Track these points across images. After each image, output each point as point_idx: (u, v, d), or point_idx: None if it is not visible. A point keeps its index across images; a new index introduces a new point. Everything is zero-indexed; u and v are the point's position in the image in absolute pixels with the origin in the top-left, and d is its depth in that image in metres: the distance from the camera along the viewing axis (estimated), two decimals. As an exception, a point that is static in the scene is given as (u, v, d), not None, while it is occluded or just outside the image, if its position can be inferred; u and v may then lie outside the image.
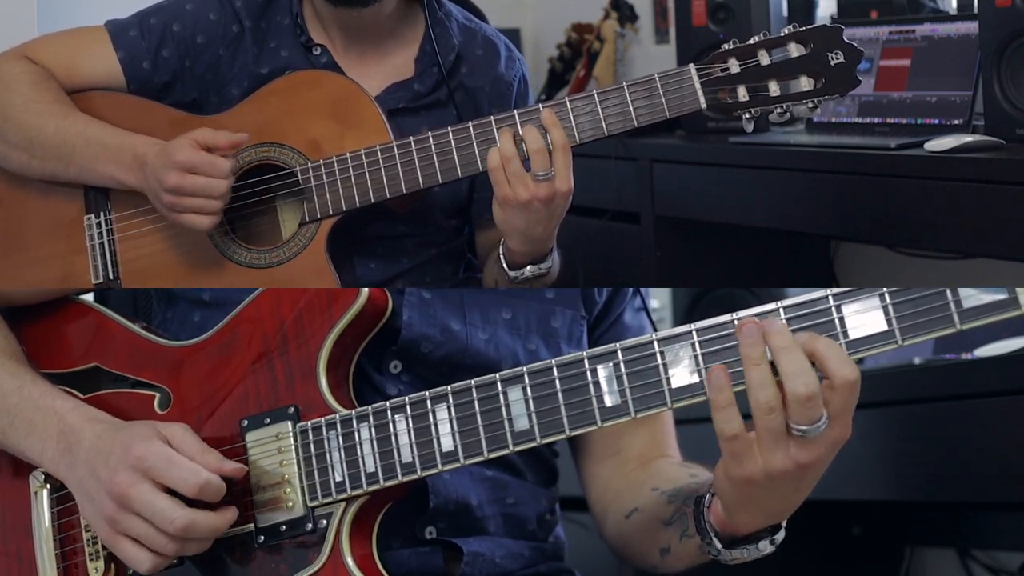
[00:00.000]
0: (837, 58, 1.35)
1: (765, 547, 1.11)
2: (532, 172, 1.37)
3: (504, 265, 1.47)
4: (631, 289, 1.46)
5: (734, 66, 1.37)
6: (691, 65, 1.39)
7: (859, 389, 0.99)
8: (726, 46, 1.38)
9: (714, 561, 1.15)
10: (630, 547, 1.32)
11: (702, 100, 1.38)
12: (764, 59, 1.37)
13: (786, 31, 1.37)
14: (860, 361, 2.06)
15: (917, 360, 1.76)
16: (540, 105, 1.40)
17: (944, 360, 1.76)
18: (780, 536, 1.12)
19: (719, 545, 1.11)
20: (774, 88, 1.37)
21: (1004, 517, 2.18)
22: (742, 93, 1.38)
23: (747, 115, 1.39)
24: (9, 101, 1.50)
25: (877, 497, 1.78)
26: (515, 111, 1.40)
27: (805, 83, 1.37)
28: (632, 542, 1.31)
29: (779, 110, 1.38)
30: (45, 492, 1.24)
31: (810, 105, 1.37)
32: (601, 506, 1.39)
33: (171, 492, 1.14)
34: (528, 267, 1.47)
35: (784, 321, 1.02)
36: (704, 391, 1.03)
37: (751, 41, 1.38)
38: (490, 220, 1.61)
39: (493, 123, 1.41)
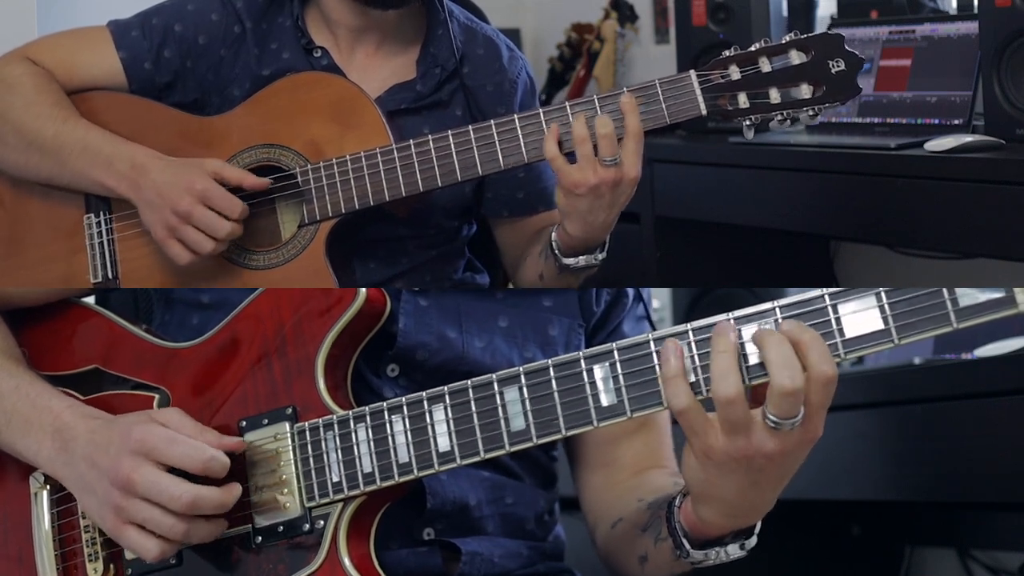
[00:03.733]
0: (838, 66, 1.35)
1: (734, 551, 1.11)
2: (600, 157, 1.36)
3: (556, 251, 1.46)
4: (631, 297, 1.45)
5: (735, 73, 1.38)
6: (692, 71, 1.39)
7: (834, 388, 0.99)
8: (727, 53, 1.38)
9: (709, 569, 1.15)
10: (614, 557, 1.32)
11: (703, 106, 1.38)
12: (765, 66, 1.37)
13: (787, 38, 1.37)
14: (860, 360, 2.07)
15: (917, 360, 1.76)
16: (624, 88, 1.39)
17: (944, 360, 1.76)
18: (751, 542, 1.11)
19: (688, 546, 1.12)
20: (775, 95, 1.37)
21: (1004, 517, 2.18)
22: (743, 100, 1.38)
23: (748, 122, 1.39)
24: (11, 103, 1.51)
25: (877, 497, 1.78)
26: (595, 96, 1.39)
27: (806, 90, 1.37)
28: (616, 552, 1.31)
29: (779, 117, 1.38)
30: (45, 493, 1.25)
31: (810, 113, 1.37)
32: (593, 516, 1.39)
33: (175, 472, 1.14)
34: (582, 257, 1.46)
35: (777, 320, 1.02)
36: (701, 391, 1.03)
37: (752, 48, 1.38)
38: (508, 217, 1.61)
39: (493, 127, 1.41)
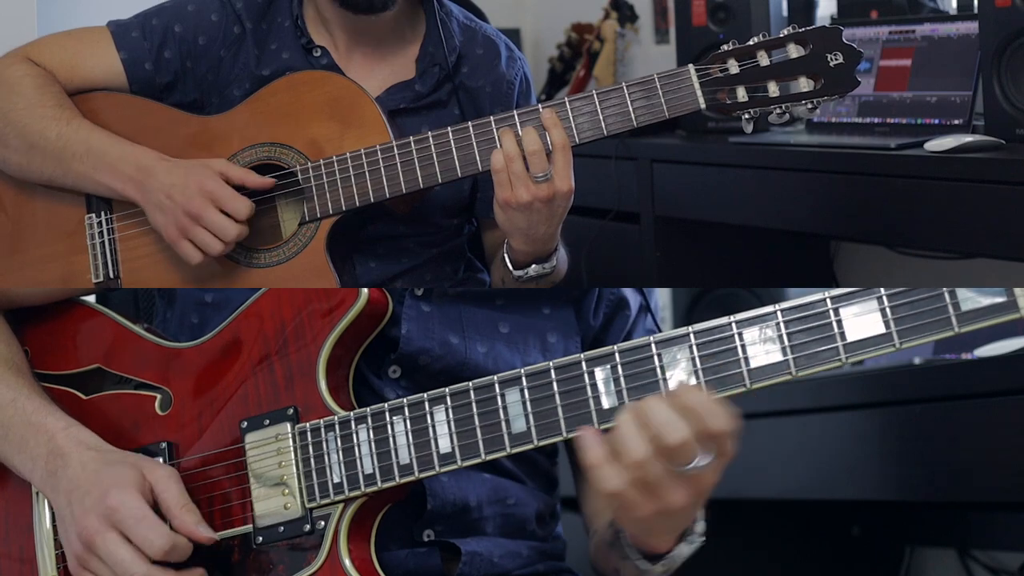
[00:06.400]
0: (836, 59, 1.35)
1: (683, 550, 1.14)
2: (531, 173, 1.37)
3: (509, 265, 1.48)
4: (635, 310, 1.45)
5: (733, 67, 1.37)
6: (690, 65, 1.39)
7: (733, 436, 1.00)
8: (725, 47, 1.38)
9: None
10: (597, 565, 1.33)
11: (701, 100, 1.38)
12: (763, 60, 1.37)
13: (785, 32, 1.37)
14: (860, 361, 2.07)
15: (917, 360, 1.76)
16: (540, 106, 1.40)
17: (944, 360, 1.76)
18: (699, 528, 1.14)
19: (647, 563, 1.14)
20: (773, 89, 1.37)
21: (1004, 517, 2.18)
22: (741, 94, 1.38)
23: (746, 115, 1.39)
24: (12, 104, 1.50)
25: (877, 497, 1.78)
26: (515, 111, 1.40)
27: (804, 84, 1.37)
28: (598, 562, 1.32)
29: (778, 111, 1.38)
30: (46, 493, 1.25)
31: (809, 106, 1.37)
32: (586, 525, 1.39)
33: None
34: (532, 266, 1.47)
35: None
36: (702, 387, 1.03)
37: (750, 42, 1.38)
38: (495, 220, 1.61)
39: (493, 123, 1.41)
